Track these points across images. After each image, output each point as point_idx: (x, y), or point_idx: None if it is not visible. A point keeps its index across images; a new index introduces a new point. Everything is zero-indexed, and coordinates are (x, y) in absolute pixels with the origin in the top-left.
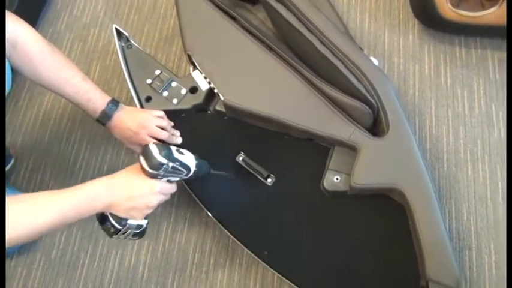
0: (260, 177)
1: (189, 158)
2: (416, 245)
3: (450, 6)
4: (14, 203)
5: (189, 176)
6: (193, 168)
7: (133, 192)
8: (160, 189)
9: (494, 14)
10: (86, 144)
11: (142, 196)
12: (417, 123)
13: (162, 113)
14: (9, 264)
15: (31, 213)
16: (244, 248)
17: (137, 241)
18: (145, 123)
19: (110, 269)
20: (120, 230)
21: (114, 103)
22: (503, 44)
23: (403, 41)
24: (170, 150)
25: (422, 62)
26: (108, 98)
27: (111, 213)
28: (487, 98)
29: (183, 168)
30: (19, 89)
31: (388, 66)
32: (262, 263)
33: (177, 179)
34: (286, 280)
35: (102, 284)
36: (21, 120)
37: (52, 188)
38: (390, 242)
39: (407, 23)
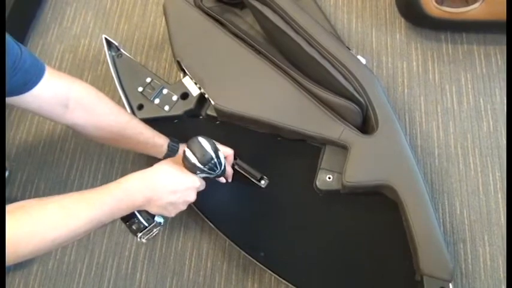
0: (254, 180)
1: (222, 155)
2: (409, 240)
3: (435, 3)
4: (41, 205)
5: (216, 174)
6: (223, 167)
7: (177, 186)
8: (200, 184)
9: (478, 10)
10: (80, 153)
11: (185, 190)
12: (407, 120)
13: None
14: (6, 276)
15: (64, 214)
16: (241, 250)
17: (133, 248)
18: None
19: (108, 277)
20: (146, 228)
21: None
22: (489, 38)
23: (391, 39)
24: (215, 144)
25: (410, 60)
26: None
27: (139, 211)
28: (475, 92)
29: (219, 166)
30: (17, 108)
31: (376, 65)
32: (259, 264)
33: (207, 176)
34: (283, 280)
35: None
36: (14, 132)
37: None
38: (385, 238)
39: (394, 21)
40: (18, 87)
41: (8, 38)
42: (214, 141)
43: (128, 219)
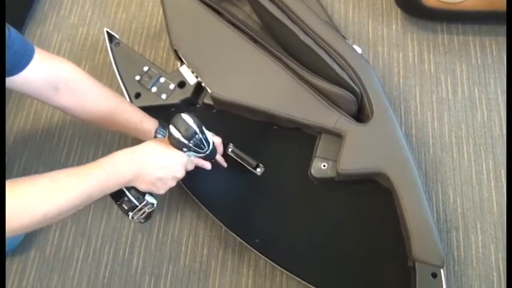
0: (249, 168)
1: (209, 135)
2: (402, 227)
3: None
4: (33, 179)
5: (205, 154)
6: (211, 146)
7: (164, 161)
8: (188, 160)
9: (474, 0)
10: (78, 141)
11: (172, 165)
12: (403, 109)
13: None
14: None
15: (55, 189)
16: (236, 237)
17: (130, 234)
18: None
19: (105, 263)
20: (136, 207)
21: (163, 124)
22: (484, 29)
23: (387, 30)
24: (199, 121)
25: (406, 50)
26: (155, 120)
27: (128, 189)
28: (469, 83)
29: (206, 143)
30: (8, 91)
31: (372, 55)
32: (254, 250)
33: (195, 155)
34: (278, 266)
35: (97, 277)
36: (12, 120)
37: None
38: (378, 225)
39: (390, 12)
40: (7, 70)
41: None
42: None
43: (119, 198)
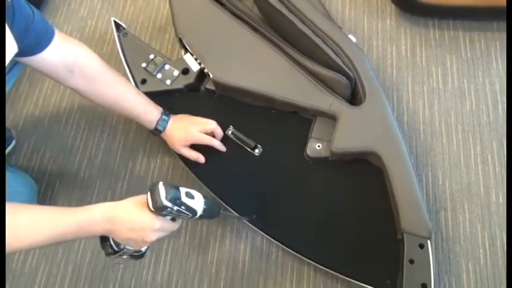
0: (248, 148)
1: (197, 203)
2: (392, 202)
3: None
4: (15, 215)
5: (194, 218)
6: (199, 213)
7: (133, 225)
8: (161, 227)
9: None
10: (84, 125)
11: (141, 230)
12: (395, 98)
13: (209, 121)
14: None
15: (31, 229)
16: (234, 212)
17: None
18: (189, 129)
19: None
20: (117, 252)
21: (166, 113)
22: (474, 25)
23: (381, 25)
24: (179, 193)
25: (399, 44)
26: (160, 109)
27: None
28: (459, 74)
29: (189, 211)
30: (20, 75)
31: (367, 48)
32: (251, 226)
33: (181, 219)
34: (273, 240)
35: (100, 252)
36: (22, 104)
37: (52, 167)
38: (369, 202)
39: (385, 8)
40: (28, 50)
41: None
42: (182, 188)
43: (102, 240)
